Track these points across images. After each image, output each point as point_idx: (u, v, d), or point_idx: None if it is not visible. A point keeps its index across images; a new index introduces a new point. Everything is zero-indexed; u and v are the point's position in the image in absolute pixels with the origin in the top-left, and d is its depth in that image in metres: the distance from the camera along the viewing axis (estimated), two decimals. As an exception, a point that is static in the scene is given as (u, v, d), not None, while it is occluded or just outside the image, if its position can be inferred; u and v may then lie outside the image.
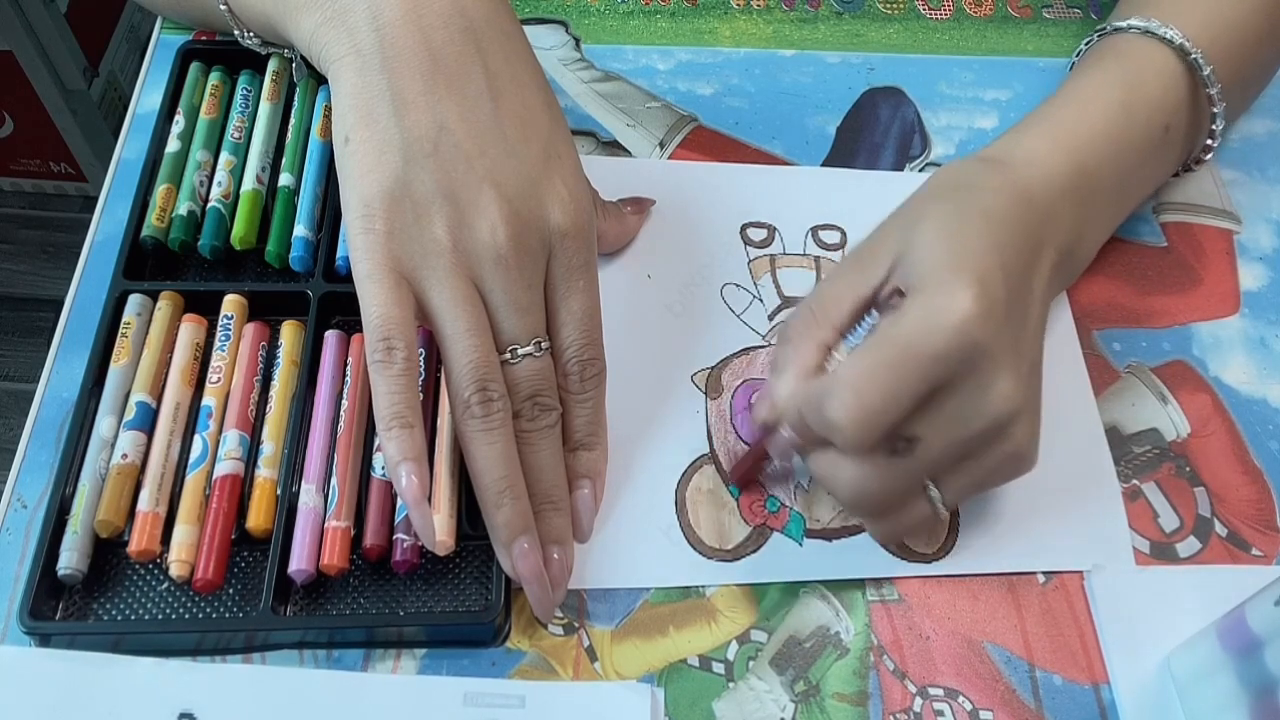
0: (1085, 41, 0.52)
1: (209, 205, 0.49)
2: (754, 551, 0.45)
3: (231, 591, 0.42)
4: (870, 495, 0.41)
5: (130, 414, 0.44)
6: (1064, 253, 0.45)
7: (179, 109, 0.52)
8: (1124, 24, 0.49)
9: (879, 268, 0.42)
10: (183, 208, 0.48)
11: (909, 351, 0.38)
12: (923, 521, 0.42)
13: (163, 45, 0.57)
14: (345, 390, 0.45)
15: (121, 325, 0.46)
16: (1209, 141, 0.51)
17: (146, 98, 0.55)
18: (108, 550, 0.42)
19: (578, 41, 0.60)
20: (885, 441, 0.39)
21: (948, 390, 0.39)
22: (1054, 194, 0.44)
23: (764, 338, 0.50)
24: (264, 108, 0.52)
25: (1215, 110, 0.49)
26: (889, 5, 0.63)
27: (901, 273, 0.41)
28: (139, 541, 0.41)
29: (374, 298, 0.40)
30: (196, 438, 0.44)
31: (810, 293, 0.44)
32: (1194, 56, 0.48)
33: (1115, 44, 0.49)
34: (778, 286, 0.52)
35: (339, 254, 0.48)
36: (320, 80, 0.53)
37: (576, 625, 0.43)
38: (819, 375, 0.41)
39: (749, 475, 0.46)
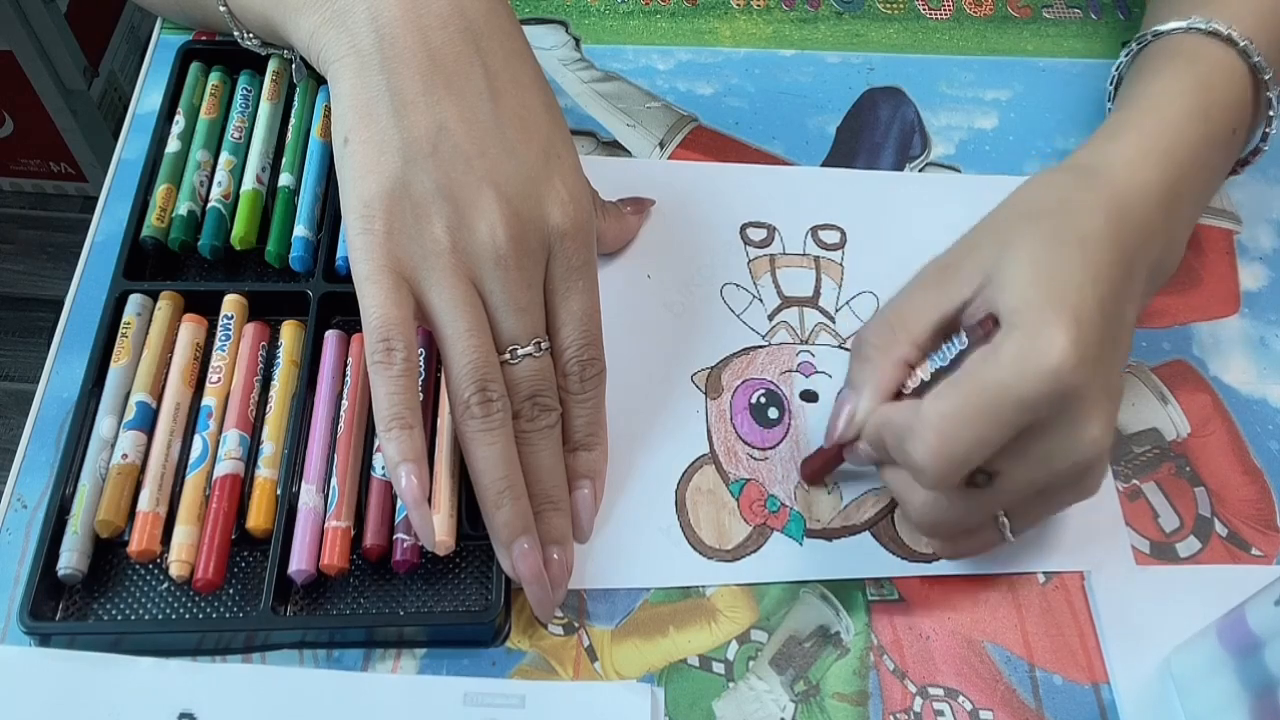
0: (1136, 40, 0.50)
1: (209, 205, 0.49)
2: (754, 551, 0.45)
3: (231, 591, 0.42)
4: (943, 523, 0.41)
5: (130, 414, 0.44)
6: (1156, 270, 0.44)
7: (179, 109, 0.52)
8: (1183, 24, 0.47)
9: (965, 286, 0.41)
10: (183, 208, 0.48)
11: (1000, 398, 0.37)
12: (987, 544, 0.42)
13: (163, 45, 0.57)
14: (345, 390, 0.45)
15: (121, 325, 0.46)
16: (1262, 145, 0.49)
17: (146, 98, 0.55)
18: (108, 550, 0.42)
19: (578, 41, 0.60)
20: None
21: (1036, 432, 0.38)
22: (1149, 208, 0.42)
23: (764, 337, 0.50)
24: (264, 108, 0.52)
25: (1272, 114, 0.48)
26: (889, 5, 0.63)
27: (990, 296, 0.39)
28: (139, 541, 0.41)
29: (373, 298, 0.40)
30: (196, 438, 0.44)
31: (888, 303, 0.43)
32: (1257, 60, 0.46)
33: (1180, 45, 0.48)
34: (778, 286, 0.52)
35: (339, 254, 0.48)
36: (320, 81, 0.53)
37: (576, 625, 0.43)
38: (898, 396, 0.41)
39: (819, 474, 0.46)
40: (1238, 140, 0.48)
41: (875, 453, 0.42)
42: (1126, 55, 0.51)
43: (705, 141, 0.56)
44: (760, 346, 0.50)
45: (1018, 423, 0.37)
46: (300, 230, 0.48)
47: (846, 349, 0.50)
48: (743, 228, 0.53)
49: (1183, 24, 0.48)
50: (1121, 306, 0.40)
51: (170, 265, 0.50)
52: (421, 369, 0.45)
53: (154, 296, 0.47)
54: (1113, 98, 0.51)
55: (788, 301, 0.51)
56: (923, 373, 0.40)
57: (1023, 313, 0.38)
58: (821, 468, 0.46)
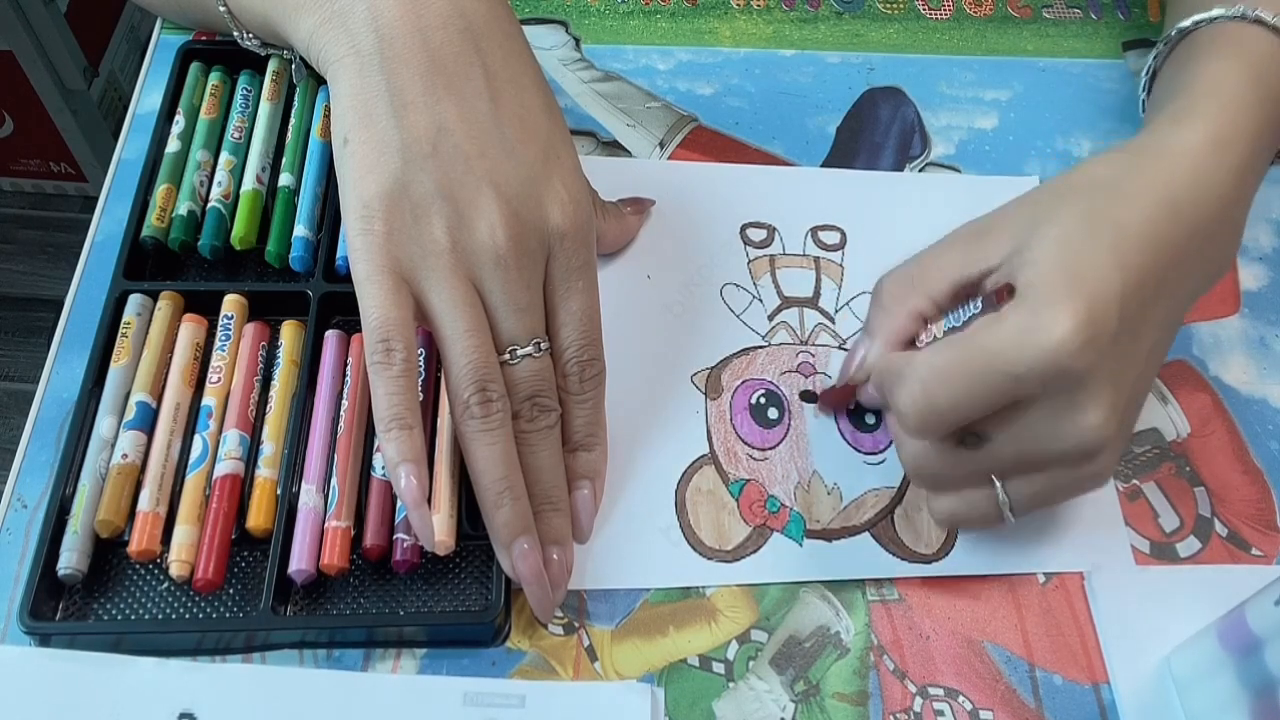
0: (1177, 30, 0.48)
1: (209, 205, 0.49)
2: (754, 551, 0.45)
3: (231, 591, 0.42)
4: (926, 474, 0.42)
5: (130, 414, 0.44)
6: (1212, 266, 0.43)
7: (179, 109, 0.52)
8: (1226, 12, 0.46)
9: (992, 253, 0.41)
10: (183, 208, 0.48)
11: (991, 364, 0.37)
12: (983, 517, 0.41)
13: (163, 45, 0.57)
14: (345, 390, 0.45)
15: (121, 325, 0.46)
16: None
17: (146, 98, 0.55)
18: (108, 550, 0.42)
19: (578, 41, 0.60)
20: (954, 433, 0.40)
21: (1029, 406, 0.38)
22: (1201, 202, 0.41)
23: (763, 338, 0.50)
24: (264, 108, 0.52)
25: None
26: (889, 5, 0.63)
27: (1013, 267, 0.39)
28: (139, 541, 0.41)
29: (373, 299, 0.40)
30: (196, 438, 0.44)
31: (915, 255, 0.43)
32: None
33: (1226, 33, 0.46)
34: (777, 287, 0.52)
35: (339, 254, 0.48)
36: (320, 81, 0.53)
37: (576, 625, 0.43)
38: (908, 347, 0.42)
39: (832, 407, 0.48)
40: None
41: (879, 396, 0.42)
42: (1165, 45, 0.49)
43: (705, 141, 0.56)
44: (760, 347, 0.50)
45: (1004, 393, 0.38)
46: (300, 230, 0.48)
47: (846, 350, 0.50)
48: (742, 228, 0.53)
49: (1225, 11, 0.46)
50: (1152, 300, 0.40)
51: (170, 265, 0.50)
52: (421, 369, 0.45)
53: (154, 296, 0.47)
54: (1147, 88, 0.51)
55: (788, 302, 0.51)
56: (936, 330, 0.41)
57: (1037, 288, 0.38)
58: (834, 403, 0.48)
